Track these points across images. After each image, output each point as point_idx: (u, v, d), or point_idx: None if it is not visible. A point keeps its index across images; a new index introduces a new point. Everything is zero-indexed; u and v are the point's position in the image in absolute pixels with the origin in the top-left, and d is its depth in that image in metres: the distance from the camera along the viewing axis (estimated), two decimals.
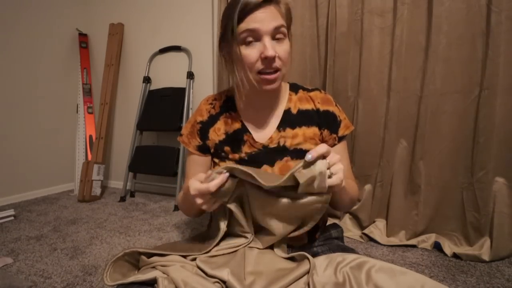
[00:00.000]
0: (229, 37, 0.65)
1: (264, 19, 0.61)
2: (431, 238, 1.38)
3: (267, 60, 0.62)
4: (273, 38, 0.63)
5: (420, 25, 1.34)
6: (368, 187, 1.50)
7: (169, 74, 2.31)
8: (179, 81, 2.21)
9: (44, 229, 1.66)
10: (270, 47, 0.61)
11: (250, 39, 0.62)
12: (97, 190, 2.25)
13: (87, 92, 2.54)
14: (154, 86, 2.36)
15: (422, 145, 1.37)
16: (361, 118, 1.48)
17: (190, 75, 2.15)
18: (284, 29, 0.63)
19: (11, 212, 1.82)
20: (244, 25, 0.61)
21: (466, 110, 1.28)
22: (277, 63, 0.63)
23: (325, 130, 0.74)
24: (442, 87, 1.31)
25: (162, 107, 2.20)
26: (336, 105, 0.77)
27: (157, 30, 2.32)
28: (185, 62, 2.21)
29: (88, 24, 2.61)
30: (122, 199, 2.21)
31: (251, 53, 0.62)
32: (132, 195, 2.33)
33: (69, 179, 2.53)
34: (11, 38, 2.16)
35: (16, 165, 2.22)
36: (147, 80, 2.35)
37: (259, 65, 0.63)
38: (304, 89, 0.78)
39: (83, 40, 2.58)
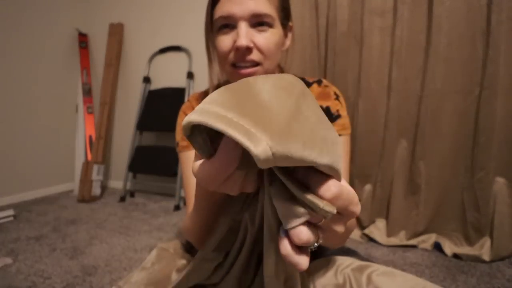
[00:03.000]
0: (208, 26, 0.57)
1: (241, 2, 0.51)
2: (431, 238, 1.38)
3: (240, 52, 0.52)
4: (253, 26, 0.53)
5: (420, 25, 1.33)
6: (368, 187, 1.50)
7: (169, 74, 2.30)
8: (179, 81, 2.21)
9: (44, 229, 1.66)
10: (243, 36, 0.50)
11: (226, 26, 0.53)
12: (97, 190, 2.25)
13: (87, 92, 2.54)
14: (154, 86, 2.36)
15: (422, 145, 1.36)
16: (361, 118, 1.48)
17: (190, 75, 2.15)
18: (269, 19, 0.53)
19: (10, 212, 1.82)
20: (219, 10, 0.54)
21: (466, 110, 1.28)
22: (255, 56, 0.53)
23: None
24: (442, 87, 1.31)
25: (162, 107, 2.20)
26: (336, 99, 0.66)
27: (157, 30, 2.32)
28: (185, 62, 2.20)
29: (88, 24, 2.61)
30: (122, 199, 2.21)
31: (224, 40, 0.53)
32: (132, 195, 2.33)
33: (69, 179, 2.53)
34: (11, 38, 2.16)
35: (16, 165, 2.22)
36: (147, 80, 2.34)
37: (232, 57, 0.53)
38: None
39: (83, 40, 2.58)
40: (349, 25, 1.46)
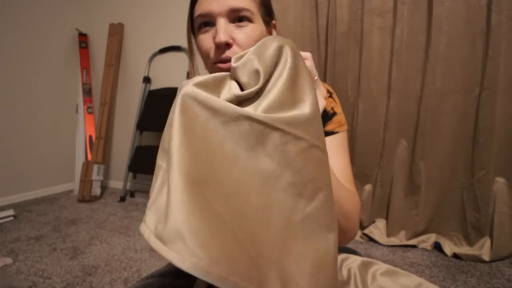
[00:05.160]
0: (189, 27, 0.57)
1: None
2: (431, 238, 1.38)
3: (220, 49, 0.50)
4: (233, 21, 0.51)
5: (420, 25, 1.33)
6: (368, 187, 1.50)
7: (169, 74, 2.30)
8: (179, 81, 2.19)
9: (44, 229, 1.66)
10: (222, 31, 0.49)
11: (206, 24, 0.52)
12: (97, 190, 2.25)
13: (87, 92, 2.54)
14: (154, 86, 2.36)
15: (422, 145, 1.36)
16: (361, 118, 1.48)
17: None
18: (248, 13, 0.51)
19: (11, 212, 1.82)
20: (198, 9, 0.52)
21: (466, 110, 1.28)
22: (235, 51, 0.50)
23: None
24: (442, 87, 1.31)
25: (162, 107, 2.20)
26: (330, 97, 0.65)
27: (157, 30, 2.32)
28: (185, 62, 2.20)
29: (88, 24, 2.61)
30: (122, 199, 2.21)
31: (204, 39, 0.52)
32: (132, 195, 2.33)
33: (69, 179, 2.53)
34: (11, 38, 2.16)
35: (16, 165, 2.22)
36: (147, 80, 2.34)
37: (213, 54, 0.52)
38: None
39: (83, 40, 2.58)
40: (349, 25, 1.46)
